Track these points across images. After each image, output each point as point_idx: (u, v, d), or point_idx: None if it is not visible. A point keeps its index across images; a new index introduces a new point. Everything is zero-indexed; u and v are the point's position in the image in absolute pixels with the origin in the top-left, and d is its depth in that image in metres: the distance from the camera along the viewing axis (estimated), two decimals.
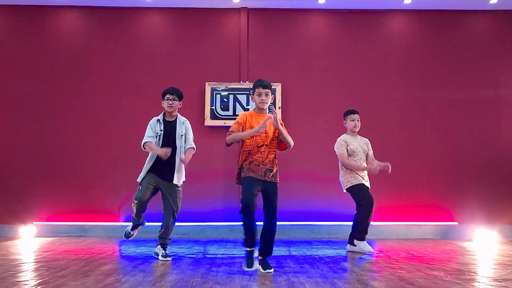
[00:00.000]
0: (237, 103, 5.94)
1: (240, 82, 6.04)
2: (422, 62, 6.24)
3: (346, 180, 4.44)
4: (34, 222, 5.73)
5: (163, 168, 3.86)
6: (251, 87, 5.85)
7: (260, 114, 3.45)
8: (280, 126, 3.32)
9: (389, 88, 6.18)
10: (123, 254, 4.24)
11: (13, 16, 6.17)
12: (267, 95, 3.40)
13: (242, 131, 3.37)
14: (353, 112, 4.52)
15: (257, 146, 3.36)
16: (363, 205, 4.32)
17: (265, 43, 6.22)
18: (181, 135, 3.94)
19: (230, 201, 5.84)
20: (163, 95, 3.95)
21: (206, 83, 5.98)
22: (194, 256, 4.12)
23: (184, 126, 4.00)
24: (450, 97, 6.16)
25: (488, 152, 6.04)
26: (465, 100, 6.15)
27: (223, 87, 5.97)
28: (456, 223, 5.88)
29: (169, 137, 3.92)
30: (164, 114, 4.01)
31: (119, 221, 5.77)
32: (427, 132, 6.09)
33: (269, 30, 6.27)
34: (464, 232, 5.75)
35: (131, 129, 5.82)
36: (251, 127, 3.36)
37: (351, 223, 4.48)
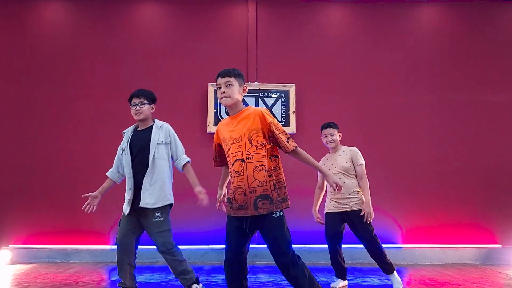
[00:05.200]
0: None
1: (248, 82, 5.32)
2: (455, 61, 5.51)
3: (325, 204, 3.79)
4: (9, 246, 4.98)
5: (135, 193, 3.03)
6: (261, 88, 5.34)
7: (233, 116, 2.44)
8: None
9: (417, 91, 5.46)
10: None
11: None
12: (229, 85, 2.37)
13: (216, 156, 2.62)
14: (324, 126, 3.73)
15: (231, 164, 2.39)
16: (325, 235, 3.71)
17: (277, 39, 5.50)
18: (158, 143, 3.07)
19: None
20: (129, 100, 3.19)
21: (209, 84, 5.25)
22: None
23: (163, 131, 3.14)
24: (488, 100, 5.43)
25: None
26: (506, 103, 5.42)
27: None
28: (500, 245, 5.15)
29: (138, 149, 3.07)
30: (137, 126, 3.26)
31: (108, 244, 5.00)
32: (463, 141, 5.34)
33: (281, 24, 5.54)
34: (509, 256, 5.03)
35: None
36: (224, 140, 2.44)
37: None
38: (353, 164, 3.64)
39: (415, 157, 5.29)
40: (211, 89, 5.22)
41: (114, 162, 3.21)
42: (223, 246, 4.84)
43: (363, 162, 3.65)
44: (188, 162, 3.16)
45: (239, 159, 2.31)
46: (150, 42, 5.46)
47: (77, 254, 4.97)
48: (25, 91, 5.30)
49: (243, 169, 2.29)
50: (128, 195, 3.02)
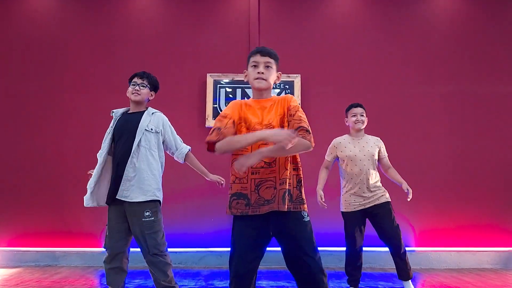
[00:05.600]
0: (246, 98, 4.89)
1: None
2: (473, 49, 5.16)
3: (341, 202, 3.45)
4: None
5: (112, 181, 2.74)
6: None
7: (259, 99, 2.09)
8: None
9: (433, 83, 5.10)
10: None
11: None
12: (268, 67, 2.05)
13: (227, 130, 1.99)
14: (355, 105, 3.48)
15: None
16: (346, 241, 3.37)
17: (280, 27, 5.16)
18: (147, 129, 2.77)
19: None
20: (130, 79, 2.93)
21: (208, 75, 4.94)
22: None
23: (155, 119, 2.86)
24: (509, 93, 5.07)
25: None
26: None
27: (228, 80, 4.95)
28: None
29: (122, 133, 2.78)
30: (128, 109, 2.96)
31: (100, 247, 4.68)
32: (482, 137, 5.00)
33: (284, 11, 5.19)
34: None
35: None
36: (245, 120, 2.03)
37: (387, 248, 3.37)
38: (378, 155, 3.45)
39: (430, 153, 4.95)
40: (210, 80, 4.90)
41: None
42: (223, 249, 4.59)
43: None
44: (189, 150, 2.93)
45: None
46: (147, 31, 5.14)
47: (66, 258, 4.64)
48: (11, 84, 4.97)
49: (275, 159, 1.94)
50: (92, 184, 2.74)
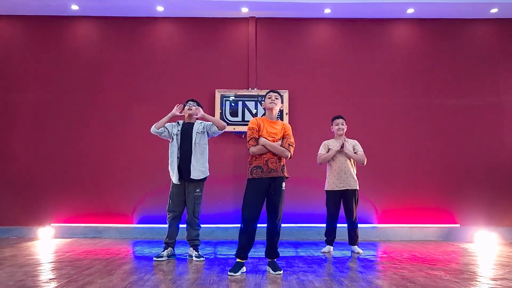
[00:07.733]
0: (245, 108, 6.15)
1: (248, 89, 6.25)
2: (425, 69, 6.41)
3: (325, 182, 4.80)
4: (51, 224, 5.96)
5: (183, 167, 4.16)
6: (259, 93, 6.30)
7: (271, 121, 3.65)
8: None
9: (393, 95, 6.36)
10: (139, 255, 4.47)
11: (31, 26, 6.42)
12: (277, 98, 3.66)
13: (258, 134, 3.59)
14: (337, 117, 4.85)
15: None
16: (327, 213, 4.74)
17: (273, 51, 6.42)
18: (198, 132, 4.24)
19: (239, 204, 5.88)
20: (185, 103, 4.39)
21: (216, 90, 6.19)
22: (208, 257, 4.33)
23: (202, 124, 4.32)
24: (452, 104, 6.33)
25: (489, 157, 6.21)
26: (467, 106, 6.32)
27: (232, 94, 6.18)
28: (458, 225, 6.04)
29: (186, 136, 4.23)
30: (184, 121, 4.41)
31: (132, 223, 5.98)
32: (431, 138, 6.27)
33: (276, 38, 6.47)
34: (466, 234, 5.92)
35: (144, 135, 6.00)
36: (264, 131, 3.57)
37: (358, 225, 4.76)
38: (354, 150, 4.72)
39: (391, 151, 6.19)
40: (217, 94, 6.16)
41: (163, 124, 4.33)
42: (228, 225, 6.06)
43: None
44: (219, 122, 4.30)
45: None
46: (166, 55, 6.37)
47: (106, 231, 5.94)
48: (60, 98, 6.24)
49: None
50: (175, 169, 4.17)
